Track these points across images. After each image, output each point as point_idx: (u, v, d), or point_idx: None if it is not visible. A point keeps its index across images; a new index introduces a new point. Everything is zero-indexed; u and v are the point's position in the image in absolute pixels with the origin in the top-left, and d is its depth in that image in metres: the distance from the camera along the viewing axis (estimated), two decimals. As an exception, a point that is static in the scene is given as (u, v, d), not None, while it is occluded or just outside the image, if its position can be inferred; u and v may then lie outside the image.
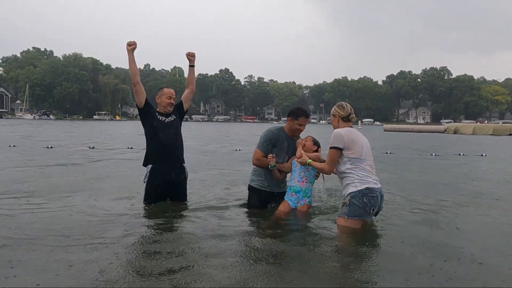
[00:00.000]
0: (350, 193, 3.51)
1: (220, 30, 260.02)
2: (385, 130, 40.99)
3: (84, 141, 16.07)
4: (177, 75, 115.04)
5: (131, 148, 12.60)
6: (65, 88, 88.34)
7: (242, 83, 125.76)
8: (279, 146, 4.17)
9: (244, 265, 2.74)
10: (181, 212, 4.16)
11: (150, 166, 4.33)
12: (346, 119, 3.74)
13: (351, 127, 3.74)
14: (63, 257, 2.84)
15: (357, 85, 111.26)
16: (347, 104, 3.83)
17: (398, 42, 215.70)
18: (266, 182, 4.21)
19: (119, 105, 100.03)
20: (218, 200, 4.84)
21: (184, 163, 4.53)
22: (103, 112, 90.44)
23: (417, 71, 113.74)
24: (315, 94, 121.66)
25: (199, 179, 6.34)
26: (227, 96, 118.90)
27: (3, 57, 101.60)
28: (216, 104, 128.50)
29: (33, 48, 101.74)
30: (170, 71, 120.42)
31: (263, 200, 4.27)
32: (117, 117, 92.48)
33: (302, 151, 3.94)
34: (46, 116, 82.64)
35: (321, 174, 4.05)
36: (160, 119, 4.34)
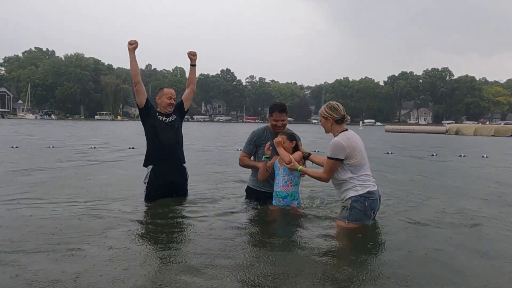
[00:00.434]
0: (352, 197, 3.45)
1: (220, 30, 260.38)
2: (386, 131, 40.94)
3: (85, 141, 16.10)
4: (179, 75, 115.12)
5: (133, 148, 12.62)
6: (66, 88, 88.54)
7: (244, 83, 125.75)
8: (263, 145, 4.21)
9: (241, 267, 2.73)
10: (180, 212, 4.16)
11: (150, 166, 4.34)
12: (341, 122, 3.54)
13: (346, 129, 3.58)
14: (65, 257, 2.85)
15: (358, 86, 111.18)
16: (339, 104, 3.61)
17: (399, 43, 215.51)
18: (261, 183, 4.23)
19: (121, 105, 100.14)
20: (218, 201, 4.85)
21: (184, 163, 4.54)
22: (104, 112, 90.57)
23: (418, 72, 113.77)
24: (316, 95, 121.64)
25: (200, 179, 6.35)
26: (229, 96, 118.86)
27: (5, 57, 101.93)
28: (217, 105, 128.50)
29: (35, 48, 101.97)
30: (171, 71, 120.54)
31: (258, 200, 4.31)
32: (119, 117, 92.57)
33: (291, 157, 3.73)
34: (47, 116, 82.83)
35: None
36: (161, 119, 4.34)
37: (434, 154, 12.84)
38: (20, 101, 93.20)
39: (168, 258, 2.87)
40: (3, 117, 74.11)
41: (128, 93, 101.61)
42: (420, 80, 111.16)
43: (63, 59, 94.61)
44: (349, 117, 3.59)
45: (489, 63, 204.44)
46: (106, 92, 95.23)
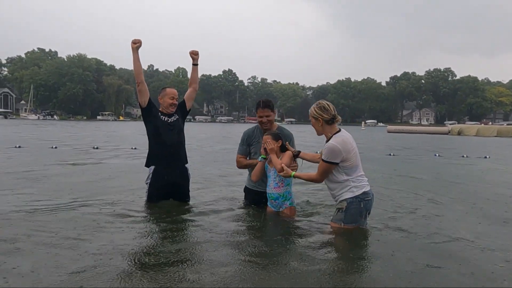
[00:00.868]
0: (347, 199, 3.38)
1: (222, 30, 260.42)
2: (388, 132, 40.88)
3: (88, 142, 16.15)
4: (181, 76, 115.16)
5: (135, 148, 12.65)
6: (69, 88, 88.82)
7: (246, 84, 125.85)
8: (255, 143, 4.23)
9: (237, 272, 2.70)
10: (181, 213, 4.16)
11: (152, 167, 4.33)
12: (331, 122, 3.42)
13: (339, 130, 3.46)
14: (67, 257, 2.87)
15: (360, 86, 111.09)
16: (329, 104, 3.46)
17: (401, 44, 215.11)
18: (256, 182, 4.23)
19: (123, 105, 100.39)
20: (219, 201, 4.84)
21: (187, 163, 4.55)
22: (106, 113, 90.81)
23: (420, 72, 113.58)
24: (318, 95, 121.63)
25: (201, 180, 6.36)
26: (230, 97, 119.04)
27: (8, 58, 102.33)
28: (219, 105, 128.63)
29: (38, 49, 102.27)
30: (173, 71, 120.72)
31: (255, 200, 4.32)
32: (121, 118, 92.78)
33: (283, 165, 3.62)
34: (50, 116, 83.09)
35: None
36: (163, 119, 4.33)
37: (437, 154, 12.82)
38: (22, 102, 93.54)
39: (167, 260, 2.88)
40: (5, 117, 74.38)
41: (130, 94, 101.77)
42: (423, 81, 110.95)
43: (66, 59, 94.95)
44: (339, 117, 3.47)
45: (492, 64, 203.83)
46: (109, 92, 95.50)
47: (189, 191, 4.62)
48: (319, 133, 3.53)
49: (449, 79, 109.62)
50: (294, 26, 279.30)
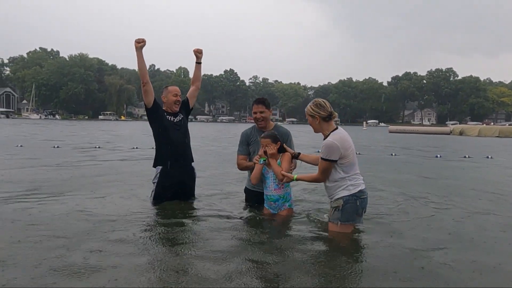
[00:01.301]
0: (343, 197, 3.37)
1: (223, 30, 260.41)
2: (390, 132, 40.82)
3: (90, 141, 16.17)
4: (182, 76, 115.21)
5: (137, 148, 12.66)
6: (71, 88, 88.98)
7: (247, 83, 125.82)
8: (252, 142, 4.25)
9: (237, 271, 2.69)
10: (187, 213, 4.17)
11: (159, 167, 4.34)
12: (328, 119, 3.43)
13: (336, 128, 3.45)
14: (70, 257, 2.88)
15: (362, 86, 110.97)
16: (325, 101, 3.48)
17: (402, 44, 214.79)
18: (256, 184, 4.18)
19: (124, 105, 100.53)
20: (218, 203, 4.80)
21: (193, 162, 4.57)
22: (108, 112, 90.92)
23: (422, 72, 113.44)
24: (320, 95, 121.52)
25: (203, 181, 6.36)
26: (232, 96, 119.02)
27: (10, 57, 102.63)
28: (220, 105, 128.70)
29: (40, 48, 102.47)
30: (175, 71, 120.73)
31: (255, 200, 4.31)
32: (122, 117, 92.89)
33: (283, 172, 3.63)
34: (52, 116, 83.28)
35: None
36: (169, 119, 4.35)
37: (439, 155, 12.79)
38: (24, 101, 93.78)
39: (168, 260, 2.89)
40: (8, 117, 74.57)
41: (132, 94, 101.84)
42: (424, 81, 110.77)
43: (67, 59, 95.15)
44: (336, 114, 3.47)
45: (494, 64, 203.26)
46: (110, 92, 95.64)
47: (194, 191, 4.63)
48: (316, 131, 3.53)
49: (451, 79, 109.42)
50: (295, 26, 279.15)
